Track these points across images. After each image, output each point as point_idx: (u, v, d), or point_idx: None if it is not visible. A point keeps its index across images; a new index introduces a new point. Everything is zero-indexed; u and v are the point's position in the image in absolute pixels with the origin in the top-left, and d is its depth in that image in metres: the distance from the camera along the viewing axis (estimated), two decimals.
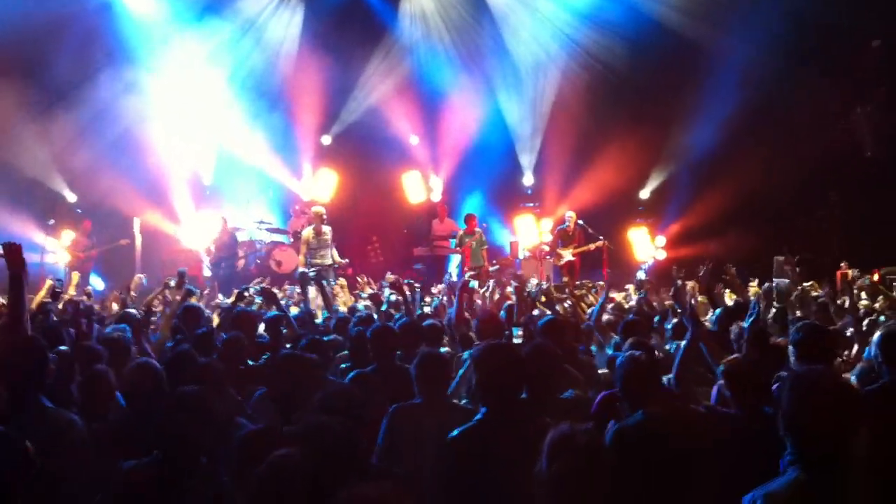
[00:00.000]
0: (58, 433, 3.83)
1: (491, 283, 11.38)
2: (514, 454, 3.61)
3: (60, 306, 8.16)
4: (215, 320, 8.03)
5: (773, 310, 6.98)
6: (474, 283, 10.12)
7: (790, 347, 4.66)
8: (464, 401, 4.81)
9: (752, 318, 5.39)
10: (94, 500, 3.64)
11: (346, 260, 14.25)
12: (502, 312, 7.61)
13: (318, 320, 8.16)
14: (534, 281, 12.04)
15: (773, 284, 7.44)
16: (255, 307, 8.96)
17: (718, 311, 6.29)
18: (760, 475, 2.99)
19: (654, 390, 4.07)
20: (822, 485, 2.82)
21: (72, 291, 9.85)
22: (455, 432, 3.78)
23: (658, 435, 3.77)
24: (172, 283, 8.56)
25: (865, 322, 5.97)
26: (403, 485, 2.56)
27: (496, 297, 9.95)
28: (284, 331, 6.78)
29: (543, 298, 8.19)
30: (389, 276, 10.12)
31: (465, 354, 5.74)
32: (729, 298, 8.86)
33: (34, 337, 4.47)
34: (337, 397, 3.98)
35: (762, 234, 15.03)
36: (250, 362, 6.04)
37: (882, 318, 6.89)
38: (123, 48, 15.75)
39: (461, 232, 15.50)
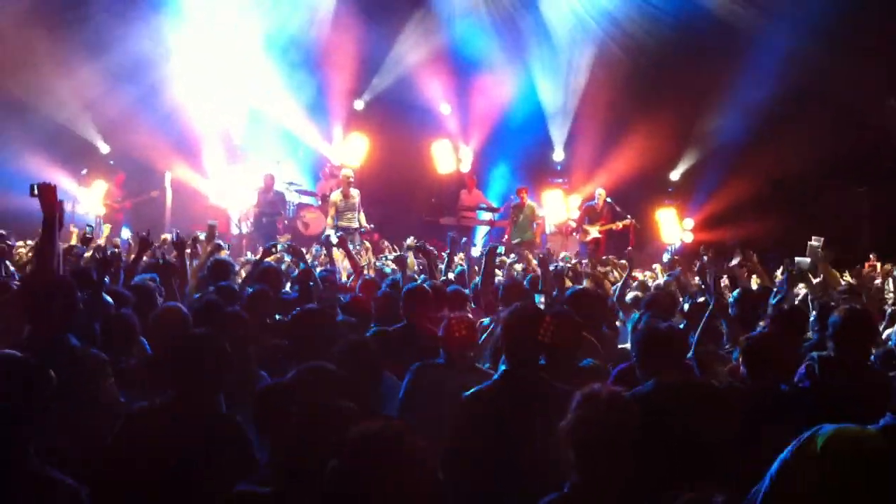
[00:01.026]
0: (83, 369, 3.91)
1: (513, 256, 11.40)
2: (526, 416, 3.69)
3: (89, 254, 8.24)
4: (243, 276, 8.11)
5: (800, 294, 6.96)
6: (502, 249, 10.10)
7: (828, 332, 4.56)
8: (486, 365, 4.86)
9: (778, 298, 5.38)
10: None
11: (372, 225, 14.32)
12: (525, 282, 7.62)
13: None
14: (563, 255, 12.04)
15: (795, 262, 7.37)
16: (283, 265, 9.06)
17: (737, 291, 6.26)
18: (773, 451, 2.99)
19: (671, 361, 4.04)
20: None
21: (102, 241, 9.98)
22: (470, 391, 3.87)
23: (668, 404, 3.75)
24: (202, 237, 8.63)
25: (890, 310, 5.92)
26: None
27: (519, 269, 9.95)
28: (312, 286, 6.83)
29: (571, 273, 8.21)
30: (410, 240, 10.18)
31: (486, 321, 5.79)
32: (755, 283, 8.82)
33: (63, 277, 4.53)
34: (350, 349, 4.06)
35: (791, 221, 14.91)
36: (277, 317, 6.11)
37: None
38: (158, 2, 15.78)
39: (513, 203, 15.52)
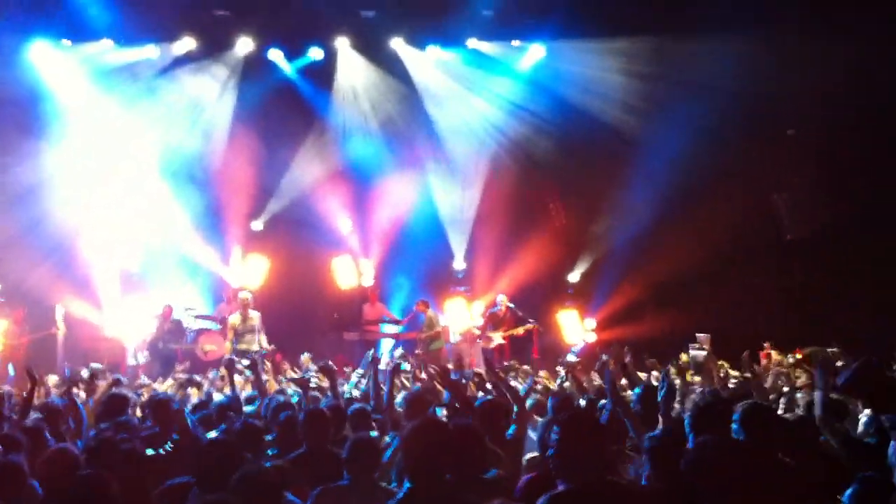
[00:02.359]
0: None
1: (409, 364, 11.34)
2: None
3: None
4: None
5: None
6: (405, 366, 10.07)
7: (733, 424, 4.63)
8: (393, 484, 4.77)
9: (663, 393, 5.46)
10: None
11: (272, 346, 14.10)
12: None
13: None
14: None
15: (690, 355, 7.56)
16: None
17: (638, 389, 6.34)
18: None
19: (594, 459, 3.90)
20: None
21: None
22: None
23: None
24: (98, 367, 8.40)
25: (782, 400, 6.07)
26: None
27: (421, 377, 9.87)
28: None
29: (476, 380, 8.19)
30: (305, 356, 10.11)
31: (388, 438, 5.71)
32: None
33: None
34: (250, 479, 3.95)
35: (688, 313, 15.30)
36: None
37: (799, 394, 7.03)
38: (47, 132, 15.57)
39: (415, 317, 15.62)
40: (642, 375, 9.00)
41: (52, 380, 10.04)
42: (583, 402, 7.58)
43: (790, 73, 14.22)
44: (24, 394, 7.41)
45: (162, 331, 15.23)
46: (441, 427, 4.13)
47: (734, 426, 4.57)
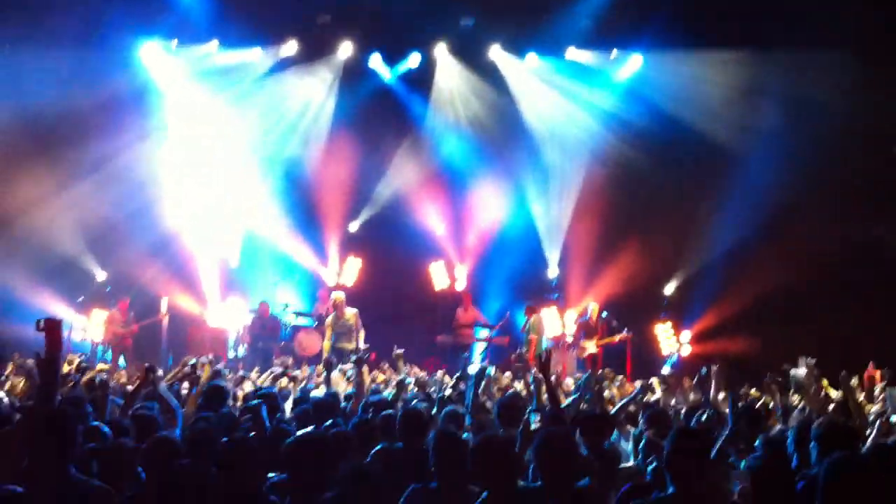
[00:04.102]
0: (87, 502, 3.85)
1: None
2: None
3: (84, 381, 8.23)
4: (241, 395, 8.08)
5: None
6: (490, 371, 10.12)
7: (812, 443, 4.62)
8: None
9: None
10: None
11: (367, 345, 14.31)
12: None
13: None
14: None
15: (791, 373, 7.40)
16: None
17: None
18: None
19: (699, 472, 4.08)
20: None
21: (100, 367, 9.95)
22: None
23: None
24: (204, 361, 8.67)
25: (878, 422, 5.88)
26: None
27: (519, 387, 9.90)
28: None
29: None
30: (397, 351, 10.26)
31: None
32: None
33: (62, 409, 4.51)
34: (352, 476, 4.05)
35: (786, 332, 14.93)
36: None
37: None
38: (155, 129, 16.18)
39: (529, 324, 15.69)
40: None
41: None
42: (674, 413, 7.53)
43: None
44: (134, 384, 7.72)
45: (257, 327, 15.63)
46: (567, 437, 4.41)
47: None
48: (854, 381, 9.34)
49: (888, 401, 6.86)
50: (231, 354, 15.64)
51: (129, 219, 16.00)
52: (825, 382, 8.79)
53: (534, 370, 10.30)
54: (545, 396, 6.60)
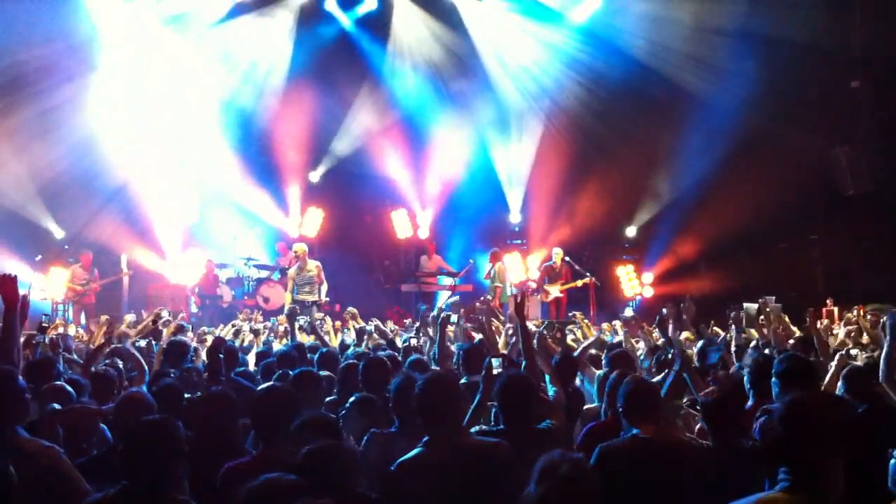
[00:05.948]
0: (34, 463, 3.78)
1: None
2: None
3: (47, 340, 8.09)
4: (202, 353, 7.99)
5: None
6: (454, 318, 10.08)
7: (773, 378, 4.67)
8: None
9: (718, 353, 5.46)
10: None
11: (328, 298, 14.25)
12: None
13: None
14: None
15: (744, 307, 7.49)
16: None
17: (701, 343, 6.31)
18: None
19: (654, 414, 4.13)
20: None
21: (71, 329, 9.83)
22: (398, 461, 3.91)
23: (644, 457, 3.88)
24: (165, 314, 8.61)
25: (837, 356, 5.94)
26: None
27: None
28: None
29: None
30: (350, 310, 10.23)
31: None
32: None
33: (7, 369, 4.40)
34: (312, 424, 4.04)
35: (746, 271, 15.12)
36: None
37: (856, 352, 6.92)
38: (104, 80, 15.59)
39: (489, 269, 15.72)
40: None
41: (129, 318, 10.30)
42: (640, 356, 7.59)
43: (856, 25, 13.78)
44: (96, 342, 7.63)
45: (203, 286, 15.70)
46: (527, 380, 4.44)
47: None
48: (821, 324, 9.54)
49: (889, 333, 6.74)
50: (194, 309, 15.49)
51: (82, 174, 15.55)
52: (786, 318, 8.90)
53: (509, 312, 10.34)
54: (514, 339, 6.62)
